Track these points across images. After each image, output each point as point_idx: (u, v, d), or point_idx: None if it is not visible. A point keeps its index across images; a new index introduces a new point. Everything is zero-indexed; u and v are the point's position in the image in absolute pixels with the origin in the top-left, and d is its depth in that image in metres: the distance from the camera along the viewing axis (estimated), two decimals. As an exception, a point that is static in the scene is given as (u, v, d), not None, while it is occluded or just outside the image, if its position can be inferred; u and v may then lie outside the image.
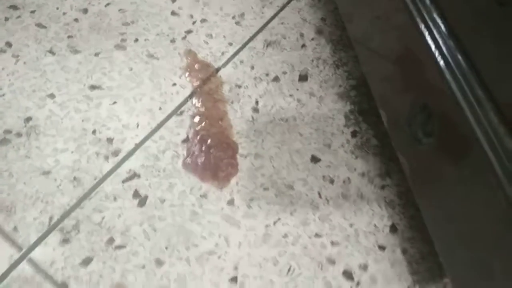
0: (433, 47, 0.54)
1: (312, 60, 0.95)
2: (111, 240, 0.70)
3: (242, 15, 1.00)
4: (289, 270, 0.71)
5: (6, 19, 0.93)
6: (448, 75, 0.51)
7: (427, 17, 0.55)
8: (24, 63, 0.88)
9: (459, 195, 0.53)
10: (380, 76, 0.74)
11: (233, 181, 0.78)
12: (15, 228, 0.70)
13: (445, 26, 0.53)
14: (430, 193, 0.60)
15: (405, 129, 0.62)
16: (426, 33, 0.55)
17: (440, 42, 0.53)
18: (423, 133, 0.58)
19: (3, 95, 0.83)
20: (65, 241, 0.70)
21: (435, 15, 0.54)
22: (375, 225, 0.76)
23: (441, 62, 0.52)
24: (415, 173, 0.64)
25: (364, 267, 0.72)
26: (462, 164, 0.51)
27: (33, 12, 0.95)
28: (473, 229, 0.52)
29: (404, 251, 0.74)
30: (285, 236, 0.73)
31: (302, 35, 0.99)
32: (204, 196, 0.76)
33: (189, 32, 0.97)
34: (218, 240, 0.72)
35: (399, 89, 0.67)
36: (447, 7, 0.55)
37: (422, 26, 0.55)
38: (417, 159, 0.62)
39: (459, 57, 0.51)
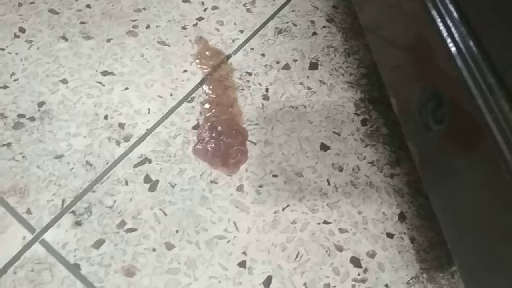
0: (444, 33, 0.53)
1: (323, 48, 0.95)
2: (122, 223, 0.72)
3: (253, 2, 1.00)
4: (297, 256, 0.71)
5: (20, 4, 0.94)
6: (459, 62, 0.51)
7: (439, 3, 0.55)
8: (38, 48, 0.88)
9: (469, 183, 0.53)
10: (391, 63, 0.73)
11: (242, 167, 0.78)
12: (28, 210, 0.72)
13: (457, 12, 0.53)
14: (439, 181, 0.60)
15: (415, 116, 0.62)
16: (438, 20, 0.55)
17: (452, 28, 0.53)
18: (433, 120, 0.58)
19: (17, 79, 0.84)
20: (78, 223, 0.71)
21: (447, 1, 0.54)
22: (383, 213, 0.76)
23: (453, 49, 0.52)
24: (425, 161, 0.64)
25: (372, 255, 0.73)
26: (472, 152, 0.51)
27: (46, -2, 0.96)
28: (482, 217, 0.52)
29: (412, 239, 0.74)
30: (294, 222, 0.74)
31: (313, 22, 0.98)
32: (214, 181, 0.76)
33: (200, 19, 0.97)
34: (227, 225, 0.73)
35: (410, 76, 0.67)
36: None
37: (434, 13, 0.55)
38: (427, 147, 0.62)
39: (471, 43, 0.51)
